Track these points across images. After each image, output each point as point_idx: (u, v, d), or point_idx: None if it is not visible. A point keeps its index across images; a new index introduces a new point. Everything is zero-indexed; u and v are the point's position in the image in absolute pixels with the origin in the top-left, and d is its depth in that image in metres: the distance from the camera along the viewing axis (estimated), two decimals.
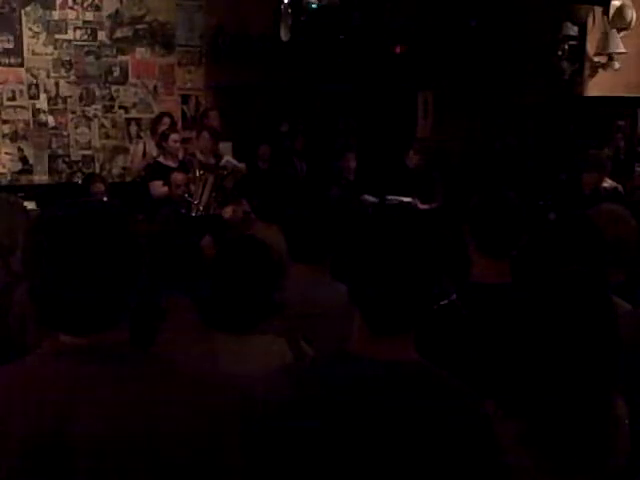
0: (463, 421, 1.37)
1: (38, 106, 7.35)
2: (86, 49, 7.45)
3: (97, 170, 7.56)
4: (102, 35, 7.50)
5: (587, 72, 6.74)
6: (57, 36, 7.31)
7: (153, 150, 6.53)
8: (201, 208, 5.37)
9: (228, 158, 6.60)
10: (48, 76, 7.34)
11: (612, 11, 6.42)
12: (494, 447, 1.37)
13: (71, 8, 7.33)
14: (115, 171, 7.72)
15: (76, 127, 7.54)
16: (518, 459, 1.36)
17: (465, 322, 2.02)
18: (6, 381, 1.28)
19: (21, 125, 7.33)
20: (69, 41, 7.37)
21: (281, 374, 1.52)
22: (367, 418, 1.36)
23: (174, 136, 6.19)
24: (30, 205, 6.08)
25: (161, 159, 6.16)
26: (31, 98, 7.32)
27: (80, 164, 7.60)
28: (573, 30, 6.63)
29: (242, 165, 6.63)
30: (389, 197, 6.22)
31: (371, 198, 5.54)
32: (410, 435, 1.35)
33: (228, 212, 4.87)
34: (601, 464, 1.37)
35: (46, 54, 7.31)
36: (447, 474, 1.35)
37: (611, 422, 1.44)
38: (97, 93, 7.56)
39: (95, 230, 1.26)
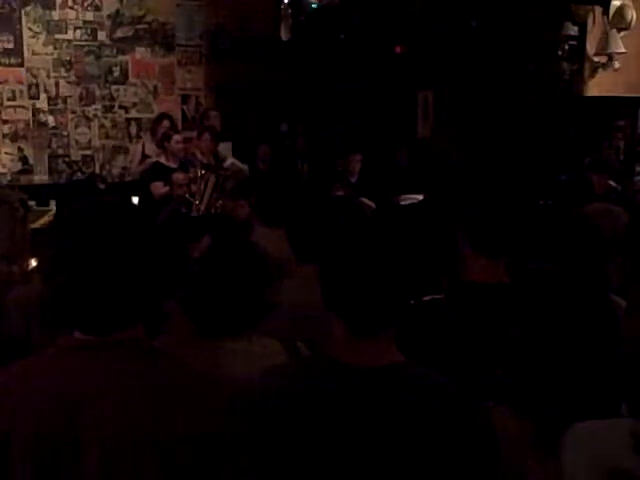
0: (456, 424, 1.35)
1: (38, 106, 7.35)
2: (86, 49, 7.46)
3: (97, 170, 7.56)
4: (102, 35, 7.50)
5: (587, 72, 6.74)
6: (57, 36, 7.32)
7: (152, 150, 6.53)
8: (202, 208, 5.37)
9: (233, 160, 6.61)
10: (48, 76, 7.35)
11: (612, 11, 6.42)
12: (493, 448, 1.37)
13: (71, 8, 7.34)
14: (115, 171, 7.72)
15: (76, 127, 7.54)
16: (522, 461, 1.35)
17: (445, 321, 2.02)
18: (17, 378, 1.29)
19: (21, 125, 7.33)
20: (69, 41, 7.38)
21: (263, 380, 1.50)
22: (353, 428, 1.34)
23: (177, 137, 6.19)
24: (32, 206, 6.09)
25: (162, 160, 6.16)
26: (31, 98, 7.32)
27: (80, 164, 7.61)
28: (573, 30, 6.64)
29: (245, 167, 6.64)
30: (402, 196, 6.23)
31: (368, 202, 5.55)
32: (398, 443, 1.33)
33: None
34: None
35: (46, 54, 7.31)
36: (444, 477, 1.34)
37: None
38: (97, 93, 7.57)
39: (117, 230, 1.26)
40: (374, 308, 1.40)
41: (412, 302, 2.07)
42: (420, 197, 6.18)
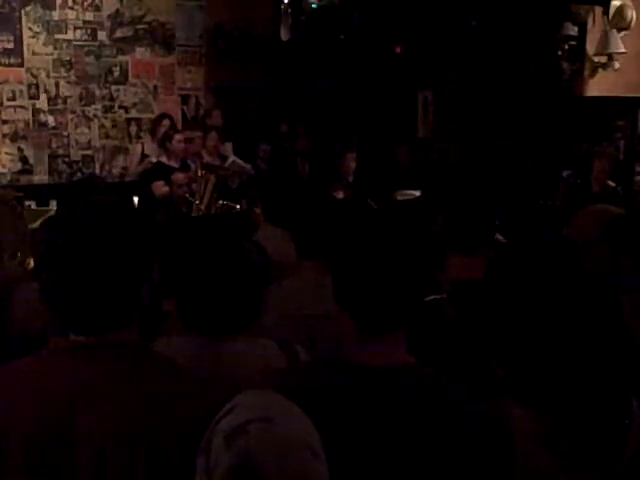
0: (469, 426, 1.33)
1: (38, 106, 7.35)
2: (86, 49, 7.45)
3: (97, 170, 7.57)
4: (102, 35, 7.50)
5: (587, 72, 6.75)
6: (57, 36, 7.31)
7: (152, 151, 6.53)
8: (202, 208, 5.37)
9: (234, 159, 6.62)
10: (48, 76, 7.34)
11: (612, 11, 6.44)
12: (507, 445, 1.35)
13: (71, 8, 7.33)
14: (115, 171, 7.72)
15: (76, 127, 7.54)
16: (535, 458, 1.35)
17: (448, 320, 2.02)
18: (10, 378, 1.29)
19: (21, 125, 7.32)
20: (69, 41, 7.37)
21: (271, 380, 1.47)
22: (361, 428, 1.32)
23: (178, 136, 6.20)
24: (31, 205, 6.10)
25: (164, 159, 6.16)
26: (31, 98, 7.32)
27: (80, 164, 7.60)
28: (573, 30, 6.64)
29: (248, 166, 6.65)
30: (399, 192, 6.24)
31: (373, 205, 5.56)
32: (408, 444, 1.31)
33: None
34: (617, 460, 1.36)
35: (46, 54, 7.31)
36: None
37: (628, 417, 1.43)
38: (97, 93, 7.56)
39: (107, 229, 1.26)
40: (386, 306, 1.38)
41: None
42: (417, 193, 6.18)
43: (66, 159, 7.55)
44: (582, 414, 1.32)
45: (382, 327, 1.40)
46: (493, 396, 1.46)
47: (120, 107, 7.67)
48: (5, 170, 7.28)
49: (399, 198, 6.13)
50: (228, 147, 6.85)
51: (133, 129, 7.75)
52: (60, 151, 7.52)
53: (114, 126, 7.68)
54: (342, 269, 1.44)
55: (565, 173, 6.24)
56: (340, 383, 1.38)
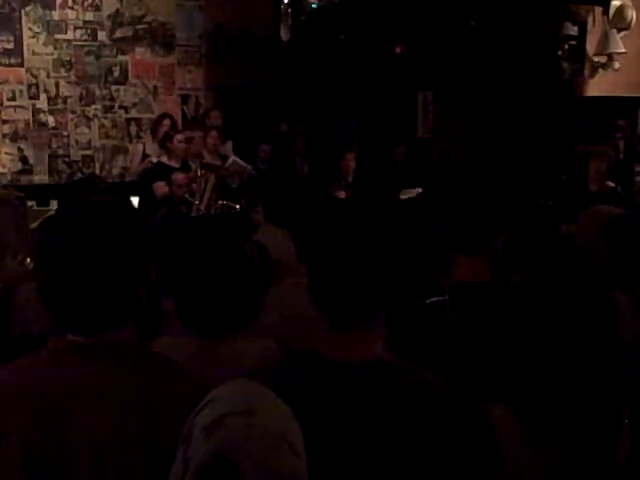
0: (445, 422, 1.30)
1: (38, 106, 7.35)
2: (86, 49, 7.46)
3: (97, 170, 7.57)
4: (102, 35, 7.50)
5: (587, 72, 6.75)
6: (57, 36, 7.32)
7: (153, 151, 6.53)
8: (202, 208, 5.38)
9: (234, 159, 6.63)
10: (48, 76, 7.35)
11: (612, 11, 6.43)
12: (489, 446, 1.33)
13: (71, 8, 7.33)
14: (115, 171, 7.72)
15: (76, 127, 7.54)
16: (522, 459, 1.34)
17: (448, 322, 2.01)
18: (9, 379, 1.29)
19: (21, 125, 7.33)
20: (69, 41, 7.38)
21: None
22: (317, 424, 1.25)
23: (179, 136, 6.20)
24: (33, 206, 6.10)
25: (164, 159, 6.16)
26: (31, 98, 7.32)
27: (80, 164, 7.61)
28: (573, 30, 6.64)
29: (249, 166, 6.66)
30: (403, 190, 6.25)
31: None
32: (367, 441, 1.27)
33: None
34: (606, 462, 1.36)
35: (46, 54, 7.31)
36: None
37: (616, 420, 1.43)
38: (97, 93, 7.57)
39: (104, 229, 1.26)
40: (352, 297, 1.34)
41: (417, 304, 2.07)
42: (420, 190, 6.19)
43: (66, 159, 7.56)
44: (576, 419, 1.32)
45: (349, 319, 1.35)
46: (480, 396, 1.45)
47: (120, 107, 7.68)
48: (5, 170, 7.29)
49: (402, 197, 6.14)
50: (228, 147, 6.86)
51: (133, 129, 7.75)
52: (60, 151, 7.53)
53: (114, 126, 7.68)
54: (309, 260, 1.41)
55: (563, 176, 6.26)
56: (306, 377, 1.33)
